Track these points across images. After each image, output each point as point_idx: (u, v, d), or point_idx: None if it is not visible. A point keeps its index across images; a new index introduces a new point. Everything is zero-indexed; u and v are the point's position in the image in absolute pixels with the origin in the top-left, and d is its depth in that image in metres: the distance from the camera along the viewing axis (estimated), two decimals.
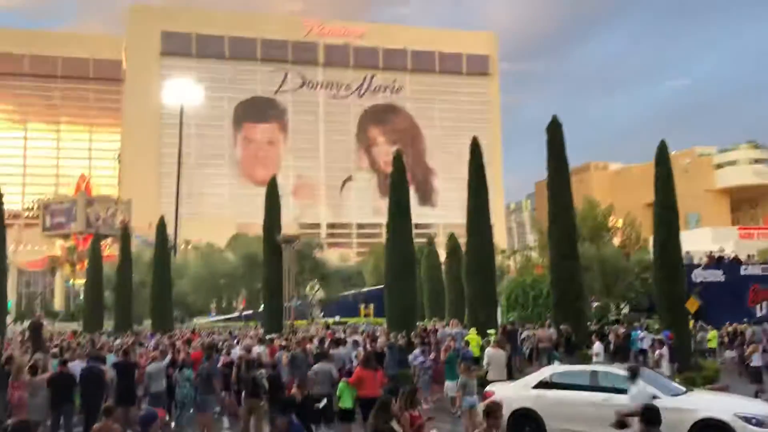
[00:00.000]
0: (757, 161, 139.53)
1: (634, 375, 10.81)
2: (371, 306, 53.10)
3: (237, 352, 17.73)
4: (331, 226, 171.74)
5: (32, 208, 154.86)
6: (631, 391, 10.44)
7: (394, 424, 7.74)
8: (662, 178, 22.76)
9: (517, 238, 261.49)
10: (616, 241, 56.53)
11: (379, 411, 7.98)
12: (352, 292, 51.93)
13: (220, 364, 16.76)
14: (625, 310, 41.69)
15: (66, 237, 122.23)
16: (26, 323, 38.91)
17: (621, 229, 59.32)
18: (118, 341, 24.31)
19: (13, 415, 12.86)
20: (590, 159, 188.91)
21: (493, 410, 7.58)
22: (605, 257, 39.11)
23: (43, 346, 23.40)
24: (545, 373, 13.46)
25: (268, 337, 23.71)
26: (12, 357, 16.11)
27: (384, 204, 32.34)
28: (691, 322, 25.29)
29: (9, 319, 33.99)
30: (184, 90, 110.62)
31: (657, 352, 17.83)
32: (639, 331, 23.21)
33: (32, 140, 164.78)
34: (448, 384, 17.09)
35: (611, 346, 22.22)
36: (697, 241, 57.57)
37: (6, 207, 28.32)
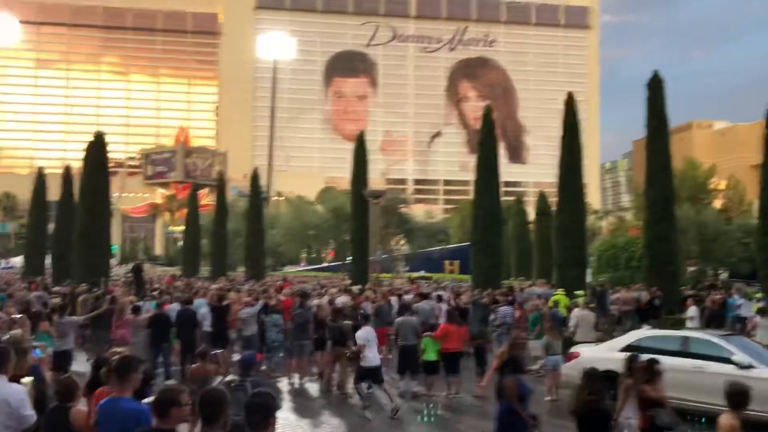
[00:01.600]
0: None
1: None
2: (456, 263, 53.13)
3: (325, 301, 18.22)
4: (418, 182, 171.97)
5: (135, 158, 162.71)
6: None
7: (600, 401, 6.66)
8: None
9: (612, 199, 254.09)
10: (717, 203, 53.98)
11: (588, 382, 6.68)
12: (438, 248, 52.08)
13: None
14: (724, 275, 40.07)
15: (166, 186, 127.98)
16: (129, 266, 41.31)
17: (723, 191, 56.51)
18: (214, 286, 25.47)
19: None
20: (693, 117, 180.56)
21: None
22: (704, 220, 37.54)
23: (144, 288, 24.85)
24: (633, 336, 13.15)
25: (357, 288, 24.23)
26: (116, 298, 17.21)
27: (472, 160, 32.05)
28: None
29: (114, 262, 36.30)
30: (277, 43, 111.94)
31: (755, 319, 17.04)
32: (736, 298, 22.20)
33: (134, 92, 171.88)
34: (531, 344, 17.03)
35: (706, 312, 21.44)
36: None
37: (110, 156, 29.82)
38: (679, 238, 26.46)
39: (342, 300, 18.24)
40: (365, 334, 12.16)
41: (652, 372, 7.59)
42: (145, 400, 5.38)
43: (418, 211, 53.63)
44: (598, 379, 6.72)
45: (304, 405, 12.83)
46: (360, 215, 31.47)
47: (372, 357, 12.05)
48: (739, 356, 11.08)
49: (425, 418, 12.03)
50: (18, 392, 5.42)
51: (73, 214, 30.94)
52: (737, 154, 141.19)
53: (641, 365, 7.70)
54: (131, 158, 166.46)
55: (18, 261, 59.53)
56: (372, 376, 12.19)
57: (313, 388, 14.56)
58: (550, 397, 13.16)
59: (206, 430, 4.02)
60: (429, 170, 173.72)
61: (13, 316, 12.05)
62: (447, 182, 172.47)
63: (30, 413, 5.45)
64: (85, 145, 29.14)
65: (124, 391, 5.14)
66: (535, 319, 17.21)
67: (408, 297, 19.98)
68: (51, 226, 38.36)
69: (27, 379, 6.14)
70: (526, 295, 22.71)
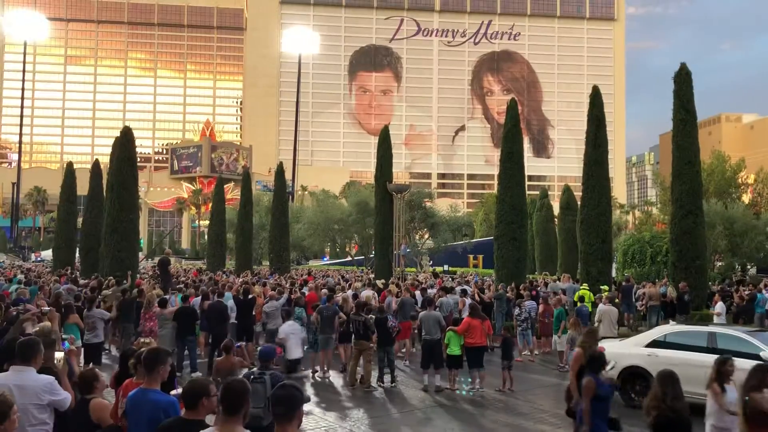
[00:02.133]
0: None
1: None
2: (480, 257, 52.96)
3: (349, 294, 18.32)
4: (442, 176, 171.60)
5: (161, 152, 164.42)
6: None
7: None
8: None
9: (638, 193, 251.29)
10: (746, 198, 53.08)
11: (666, 386, 5.93)
12: (462, 242, 51.92)
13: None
14: (752, 270, 39.47)
15: (192, 180, 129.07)
16: (156, 260, 41.79)
17: (752, 185, 55.52)
18: (240, 280, 25.69)
19: None
20: (722, 110, 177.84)
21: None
22: (732, 215, 36.86)
23: (171, 282, 25.13)
24: (659, 332, 13.04)
25: (381, 282, 24.28)
26: (143, 291, 17.45)
27: (496, 154, 31.90)
28: None
29: (140, 255, 36.62)
30: (302, 38, 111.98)
31: None
32: (765, 293, 21.85)
33: (161, 87, 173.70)
34: (557, 338, 16.98)
35: (733, 308, 21.15)
36: None
37: (138, 150, 30.20)
38: (707, 233, 26.09)
39: (366, 294, 18.31)
40: (288, 328, 13.14)
41: (763, 378, 6.44)
42: (173, 392, 5.46)
43: (442, 205, 53.37)
44: (676, 382, 5.98)
45: (328, 398, 12.92)
46: (384, 209, 31.50)
47: (292, 350, 12.98)
48: (767, 352, 10.93)
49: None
50: (46, 383, 5.52)
51: (102, 208, 31.39)
52: (767, 148, 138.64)
53: (752, 370, 6.55)
54: (158, 153, 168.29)
55: (48, 254, 60.60)
56: (291, 366, 13.05)
57: (337, 381, 14.65)
58: None
59: (227, 420, 4.06)
60: (453, 164, 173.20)
61: (43, 308, 12.27)
62: (471, 176, 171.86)
63: (62, 396, 5.54)
64: (113, 140, 29.50)
65: (152, 382, 5.23)
66: (560, 314, 17.14)
67: (431, 291, 20.00)
68: (80, 220, 38.95)
69: (59, 354, 6.22)
70: (551, 289, 22.58)
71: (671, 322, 18.13)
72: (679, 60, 25.54)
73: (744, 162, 55.92)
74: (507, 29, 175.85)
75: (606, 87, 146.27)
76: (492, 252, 26.75)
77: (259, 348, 17.37)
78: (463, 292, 19.54)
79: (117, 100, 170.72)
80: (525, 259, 26.42)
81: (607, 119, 26.24)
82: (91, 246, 33.04)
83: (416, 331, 16.53)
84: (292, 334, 12.98)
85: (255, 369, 8.08)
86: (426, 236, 49.27)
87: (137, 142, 29.61)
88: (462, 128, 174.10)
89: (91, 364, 11.45)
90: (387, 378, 13.98)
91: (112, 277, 22.85)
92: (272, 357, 8.25)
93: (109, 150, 30.50)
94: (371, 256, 41.78)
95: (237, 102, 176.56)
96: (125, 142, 28.20)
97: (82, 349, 13.59)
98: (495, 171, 31.70)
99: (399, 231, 30.83)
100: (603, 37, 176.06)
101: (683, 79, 24.10)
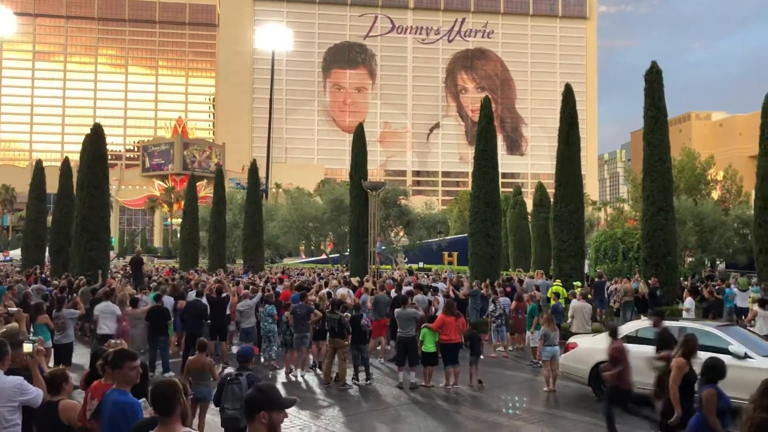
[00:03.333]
0: None
1: None
2: (455, 254, 53.15)
3: (324, 293, 18.24)
4: (417, 173, 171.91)
5: (133, 150, 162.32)
6: None
7: None
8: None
9: (610, 190, 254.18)
10: (715, 194, 54.02)
11: (755, 392, 5.14)
12: (436, 239, 52.07)
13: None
14: (721, 266, 40.17)
15: (164, 178, 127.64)
16: (128, 259, 41.21)
17: (721, 182, 56.54)
18: (213, 278, 25.45)
19: None
20: (692, 108, 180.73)
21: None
22: (702, 211, 37.50)
23: (143, 281, 24.81)
24: (631, 327, 13.19)
25: (356, 279, 24.24)
26: (114, 290, 17.19)
27: (471, 152, 32.00)
28: None
29: (112, 254, 36.05)
30: (275, 35, 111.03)
31: (754, 308, 17.07)
32: (734, 288, 22.24)
33: (132, 84, 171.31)
34: (530, 334, 17.10)
35: (703, 303, 21.50)
36: None
37: (109, 148, 29.73)
38: (677, 229, 26.48)
39: (341, 292, 18.25)
40: (102, 307, 14.37)
41: None
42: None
43: (417, 203, 53.45)
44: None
45: (302, 396, 12.85)
46: (359, 207, 31.44)
47: (107, 327, 13.99)
48: (735, 346, 11.11)
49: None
50: (16, 384, 5.44)
51: (72, 206, 30.88)
52: (735, 145, 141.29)
53: None
54: (129, 150, 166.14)
55: (17, 254, 59.52)
56: (102, 341, 12.93)
57: (312, 379, 14.60)
58: (547, 388, 13.22)
59: (164, 421, 4.00)
60: (428, 162, 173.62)
61: (9, 309, 12.03)
62: (445, 174, 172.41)
63: (32, 395, 5.48)
64: (83, 137, 29.01)
65: (119, 384, 5.14)
66: (533, 310, 17.26)
67: (406, 288, 20.00)
68: (50, 219, 38.29)
69: (28, 347, 6.10)
70: (525, 286, 22.73)
71: (642, 317, 18.35)
72: (650, 58, 25.91)
73: (713, 159, 56.91)
74: (481, 27, 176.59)
75: (578, 85, 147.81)
76: (466, 249, 26.86)
77: (233, 347, 17.27)
78: (435, 291, 19.55)
79: (87, 96, 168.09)
80: (499, 255, 26.56)
81: (579, 117, 26.50)
82: (61, 245, 32.46)
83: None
84: (104, 313, 14.13)
85: (232, 370, 7.99)
86: (401, 233, 49.33)
87: (108, 140, 29.16)
88: (436, 126, 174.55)
89: (61, 365, 11.27)
90: (362, 376, 13.95)
91: (83, 277, 22.49)
92: (250, 358, 8.15)
93: (79, 147, 30.02)
94: (346, 253, 41.70)
95: (209, 99, 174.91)
96: (96, 139, 27.75)
97: (52, 350, 13.37)
98: (469, 168, 31.86)
99: (374, 228, 30.80)
100: (575, 35, 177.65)
101: (654, 78, 24.42)
